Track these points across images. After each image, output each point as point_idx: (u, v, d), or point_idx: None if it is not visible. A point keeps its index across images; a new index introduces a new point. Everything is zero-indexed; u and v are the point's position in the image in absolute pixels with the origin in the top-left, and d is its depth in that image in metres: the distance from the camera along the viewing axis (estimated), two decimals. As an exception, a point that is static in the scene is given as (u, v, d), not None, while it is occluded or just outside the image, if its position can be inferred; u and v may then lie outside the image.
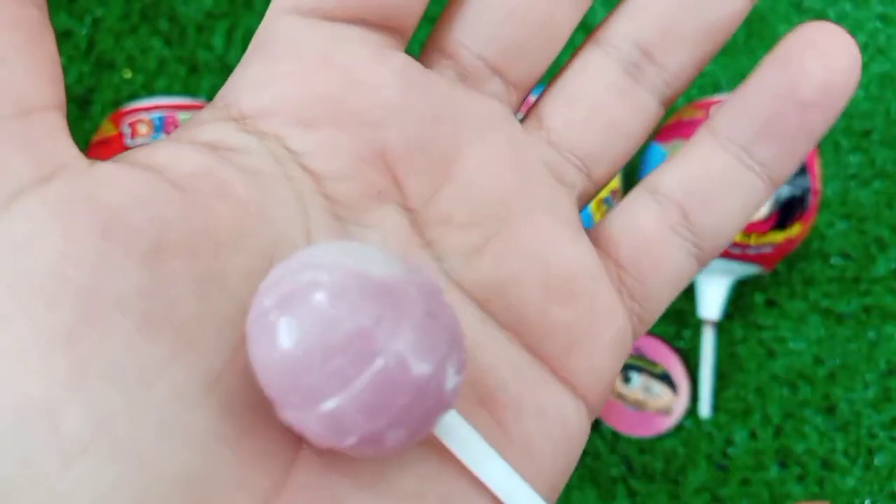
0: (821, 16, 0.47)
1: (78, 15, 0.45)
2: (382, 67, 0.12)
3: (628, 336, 0.14)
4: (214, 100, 0.12)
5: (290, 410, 0.10)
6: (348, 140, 0.12)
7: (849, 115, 0.45)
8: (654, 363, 0.39)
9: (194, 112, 0.34)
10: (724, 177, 0.14)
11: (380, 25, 0.12)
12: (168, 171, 0.11)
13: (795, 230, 0.36)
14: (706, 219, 0.14)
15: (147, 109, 0.34)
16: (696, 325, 0.40)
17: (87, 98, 0.43)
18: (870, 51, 0.47)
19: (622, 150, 0.14)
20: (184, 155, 0.11)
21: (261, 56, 0.12)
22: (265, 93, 0.12)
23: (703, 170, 0.14)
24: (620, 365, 0.14)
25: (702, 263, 0.14)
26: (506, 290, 0.13)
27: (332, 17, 0.12)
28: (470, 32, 0.13)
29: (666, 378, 0.39)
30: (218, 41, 0.44)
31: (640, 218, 0.14)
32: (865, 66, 0.47)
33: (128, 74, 0.43)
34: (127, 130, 0.33)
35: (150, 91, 0.43)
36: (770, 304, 0.41)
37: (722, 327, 0.41)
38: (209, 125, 0.12)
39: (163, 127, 0.33)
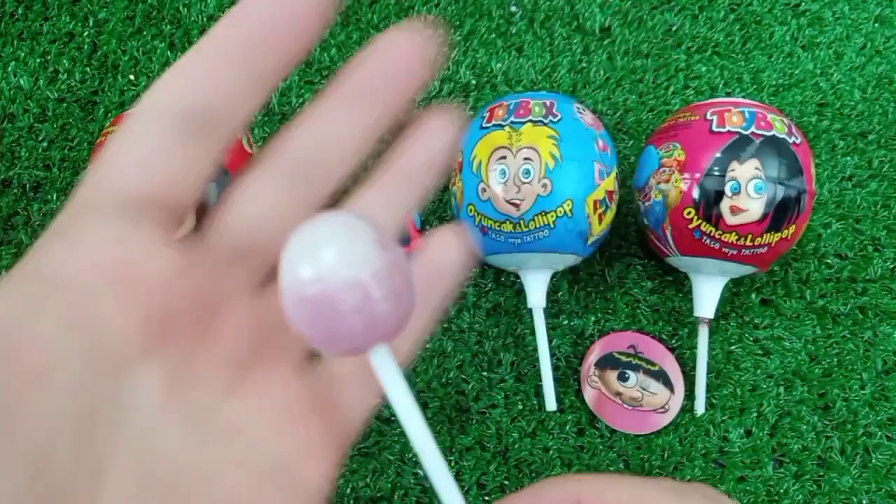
0: (818, 18, 0.48)
1: (81, 17, 0.45)
2: (157, 254, 0.15)
3: None
4: (23, 260, 0.15)
5: None
6: (124, 308, 0.15)
7: (846, 116, 0.45)
8: (650, 361, 0.40)
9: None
10: None
11: (164, 207, 0.16)
12: None
13: (790, 231, 0.36)
14: None
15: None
16: (692, 324, 0.41)
17: (92, 100, 0.43)
18: (867, 52, 0.47)
19: None
20: None
21: (61, 234, 0.15)
22: (62, 266, 0.15)
23: None
24: None
25: None
26: None
27: (126, 201, 0.15)
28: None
29: (662, 376, 0.39)
30: (220, 44, 0.44)
31: None
32: (862, 68, 0.47)
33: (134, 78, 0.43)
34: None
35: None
36: (765, 303, 0.42)
37: (718, 326, 0.41)
38: (14, 283, 0.14)
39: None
